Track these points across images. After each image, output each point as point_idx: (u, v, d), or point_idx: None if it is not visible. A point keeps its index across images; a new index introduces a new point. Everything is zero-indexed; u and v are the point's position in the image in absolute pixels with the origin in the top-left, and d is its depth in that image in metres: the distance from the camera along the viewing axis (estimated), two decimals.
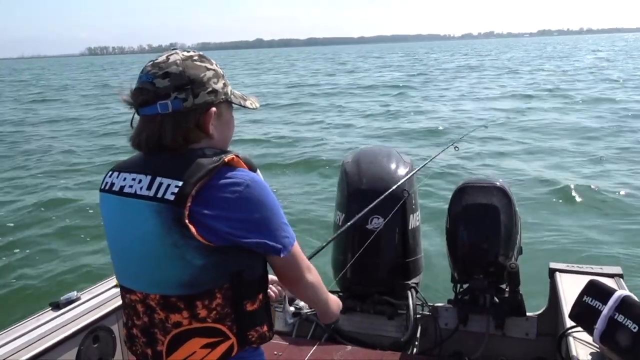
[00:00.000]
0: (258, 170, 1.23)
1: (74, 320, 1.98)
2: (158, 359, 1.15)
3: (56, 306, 2.07)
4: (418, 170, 2.60)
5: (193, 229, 1.04)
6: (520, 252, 2.35)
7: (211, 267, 1.09)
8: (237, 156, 1.14)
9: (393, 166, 2.50)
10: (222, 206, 1.07)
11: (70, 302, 2.09)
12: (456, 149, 2.91)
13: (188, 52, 1.18)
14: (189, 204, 1.04)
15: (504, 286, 2.32)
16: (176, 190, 1.05)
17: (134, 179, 1.13)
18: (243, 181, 1.10)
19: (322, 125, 14.36)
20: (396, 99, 19.81)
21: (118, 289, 2.21)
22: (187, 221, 1.04)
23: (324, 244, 2.00)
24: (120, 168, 1.20)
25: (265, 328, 1.19)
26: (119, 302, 2.15)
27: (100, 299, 2.15)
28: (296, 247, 1.20)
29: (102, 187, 1.22)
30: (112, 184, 1.18)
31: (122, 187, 1.15)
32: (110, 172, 1.22)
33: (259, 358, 1.23)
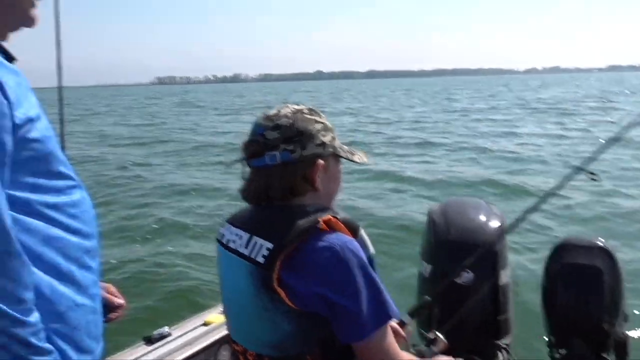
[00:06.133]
0: (362, 231, 1.21)
1: (165, 357, 2.03)
2: None
3: (149, 341, 2.13)
4: (534, 207, 2.06)
5: (283, 294, 1.05)
6: (625, 319, 2.20)
7: (300, 332, 1.09)
8: (334, 217, 1.13)
9: (483, 218, 2.43)
10: (311, 271, 1.07)
11: (162, 337, 2.15)
12: (594, 178, 1.93)
13: (298, 105, 1.21)
14: (277, 268, 1.05)
15: (605, 355, 2.17)
16: (267, 253, 1.07)
17: (237, 235, 1.18)
18: (334, 246, 1.07)
19: None
20: None
21: (207, 327, 2.27)
22: (275, 285, 1.05)
23: (427, 298, 1.92)
24: (232, 220, 1.25)
25: None
26: (207, 341, 2.19)
27: (191, 336, 2.19)
28: (381, 333, 1.10)
29: (218, 238, 1.27)
30: (223, 236, 1.24)
31: (228, 241, 1.20)
32: (225, 223, 1.26)
33: None
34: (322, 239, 1.08)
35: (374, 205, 7.86)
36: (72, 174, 1.06)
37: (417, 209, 7.09)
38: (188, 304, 4.37)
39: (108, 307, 1.27)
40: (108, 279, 1.32)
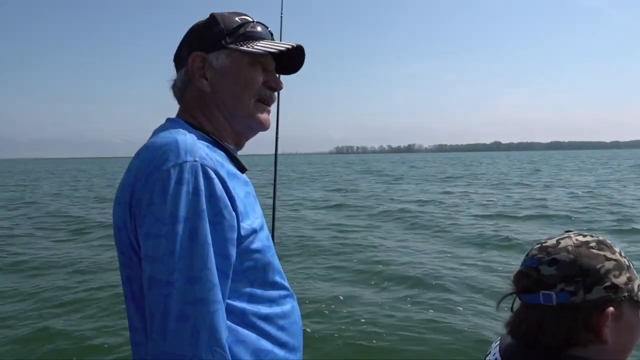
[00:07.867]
0: None
1: None
2: None
3: None
4: None
5: None
6: None
7: None
8: None
9: None
10: None
11: None
12: None
13: (584, 236, 1.03)
14: None
15: None
16: None
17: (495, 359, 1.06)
18: None
19: None
20: None
21: None
22: None
23: None
24: (503, 340, 1.12)
25: None
26: None
27: None
28: None
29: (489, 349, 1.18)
30: (490, 352, 1.12)
31: None
32: (497, 338, 1.15)
33: None
34: None
35: None
36: (286, 283, 1.05)
37: None
38: None
39: None
40: None
